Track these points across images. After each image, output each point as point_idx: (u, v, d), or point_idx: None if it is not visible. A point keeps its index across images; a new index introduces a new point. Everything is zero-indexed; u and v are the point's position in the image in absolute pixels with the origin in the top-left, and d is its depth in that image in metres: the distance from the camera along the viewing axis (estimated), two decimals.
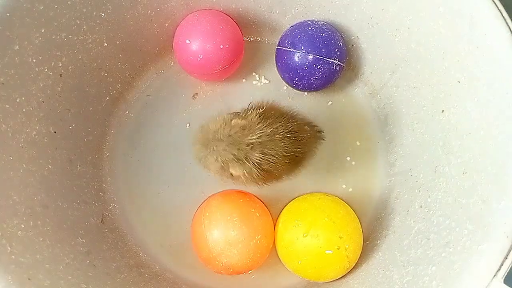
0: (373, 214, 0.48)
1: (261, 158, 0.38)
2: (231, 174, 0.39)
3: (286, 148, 0.39)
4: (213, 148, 0.38)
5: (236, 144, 0.37)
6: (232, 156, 0.37)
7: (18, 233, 0.35)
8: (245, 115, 0.40)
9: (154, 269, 0.46)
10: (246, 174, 0.38)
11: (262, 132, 0.38)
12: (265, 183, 0.41)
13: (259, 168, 0.38)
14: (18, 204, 0.37)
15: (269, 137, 0.38)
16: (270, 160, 0.38)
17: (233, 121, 0.38)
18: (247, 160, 0.38)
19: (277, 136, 0.39)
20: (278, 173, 0.41)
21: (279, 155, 0.39)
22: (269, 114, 0.41)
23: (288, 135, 0.39)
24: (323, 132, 0.47)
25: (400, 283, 0.37)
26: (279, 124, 0.40)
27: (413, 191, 0.44)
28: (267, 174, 0.39)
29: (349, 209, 0.44)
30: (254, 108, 0.41)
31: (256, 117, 0.39)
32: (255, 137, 0.37)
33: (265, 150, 0.38)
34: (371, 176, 0.50)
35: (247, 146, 0.37)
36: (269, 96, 0.52)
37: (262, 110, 0.41)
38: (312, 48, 0.46)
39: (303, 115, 0.45)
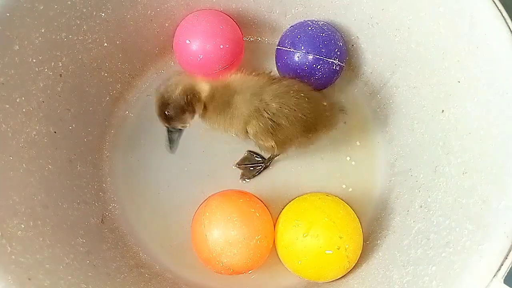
0: (373, 214, 0.48)
1: (278, 109, 0.40)
2: (247, 131, 0.42)
3: (299, 106, 0.41)
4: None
5: (255, 95, 0.40)
6: (253, 109, 0.40)
7: (18, 233, 0.35)
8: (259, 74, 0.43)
9: (154, 269, 0.46)
10: (262, 126, 0.41)
11: (279, 85, 0.41)
12: (278, 146, 0.43)
13: (274, 122, 0.41)
14: (18, 204, 0.37)
15: (285, 90, 0.41)
16: (285, 113, 0.41)
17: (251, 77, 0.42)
18: (265, 111, 0.40)
19: (292, 92, 0.41)
20: (290, 133, 0.42)
21: (293, 109, 0.41)
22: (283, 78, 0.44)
23: (302, 94, 0.42)
24: (344, 110, 0.49)
25: (400, 283, 0.37)
26: (294, 84, 0.42)
27: (413, 191, 0.44)
28: (281, 132, 0.41)
29: (349, 209, 0.44)
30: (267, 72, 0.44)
31: (270, 75, 0.43)
32: (273, 88, 0.41)
33: (281, 101, 0.41)
34: (371, 176, 0.50)
35: (268, 95, 0.40)
36: None
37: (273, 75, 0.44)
38: (312, 48, 0.46)
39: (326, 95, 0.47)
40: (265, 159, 0.49)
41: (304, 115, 0.41)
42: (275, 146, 0.43)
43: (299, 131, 0.42)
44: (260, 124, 0.41)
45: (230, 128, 0.42)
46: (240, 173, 0.49)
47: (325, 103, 0.44)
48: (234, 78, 0.42)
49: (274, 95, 0.41)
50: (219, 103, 0.41)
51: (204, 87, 0.40)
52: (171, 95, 0.39)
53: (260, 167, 0.49)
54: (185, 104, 0.39)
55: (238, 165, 0.49)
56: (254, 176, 0.49)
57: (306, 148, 0.46)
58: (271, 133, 0.41)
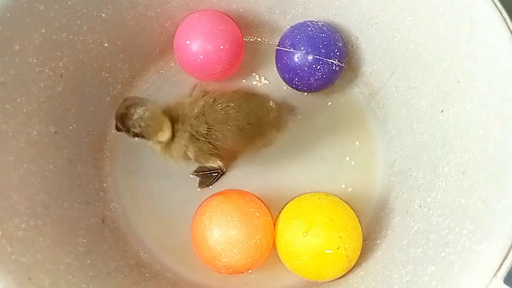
0: (373, 213, 0.48)
1: (208, 129, 0.39)
2: (190, 157, 0.41)
3: (229, 118, 0.40)
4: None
5: (187, 121, 0.40)
6: (188, 135, 0.40)
7: (19, 233, 0.35)
8: (190, 94, 0.42)
9: (155, 268, 0.46)
10: (198, 150, 0.40)
11: (204, 103, 0.40)
12: (226, 159, 0.43)
13: (209, 142, 0.40)
14: (19, 204, 0.37)
15: (211, 107, 0.40)
16: (216, 130, 0.40)
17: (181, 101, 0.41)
18: (198, 134, 0.39)
19: (219, 105, 0.40)
20: (233, 145, 0.41)
21: (223, 123, 0.40)
22: (220, 92, 0.42)
23: (231, 105, 0.40)
24: (294, 111, 0.47)
25: (400, 283, 0.37)
26: (224, 97, 0.41)
27: (412, 191, 0.44)
28: (222, 149, 0.41)
29: (348, 209, 0.44)
30: (199, 87, 0.43)
31: (201, 92, 0.42)
32: (198, 108, 0.40)
33: (209, 120, 0.40)
34: (371, 176, 0.50)
35: (195, 119, 0.40)
36: (269, 96, 0.52)
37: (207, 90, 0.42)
38: (311, 48, 0.47)
39: (277, 99, 0.45)
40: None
41: (239, 125, 0.40)
42: (223, 162, 0.42)
43: (242, 140, 0.41)
44: (197, 148, 0.40)
45: (176, 156, 0.42)
46: (198, 181, 0.49)
47: (271, 104, 0.43)
48: (177, 107, 0.41)
49: (199, 115, 0.40)
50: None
51: (166, 132, 0.40)
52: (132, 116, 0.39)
53: (217, 173, 0.48)
54: (138, 133, 0.39)
55: (195, 172, 0.49)
56: (211, 183, 0.48)
57: (260, 151, 0.46)
58: (212, 154, 0.41)
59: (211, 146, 0.40)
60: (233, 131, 0.40)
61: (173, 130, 0.40)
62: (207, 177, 0.48)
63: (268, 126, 0.43)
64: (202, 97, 0.41)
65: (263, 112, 0.42)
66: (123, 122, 0.39)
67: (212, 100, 0.41)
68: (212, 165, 0.43)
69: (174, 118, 0.40)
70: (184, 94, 0.43)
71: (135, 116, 0.39)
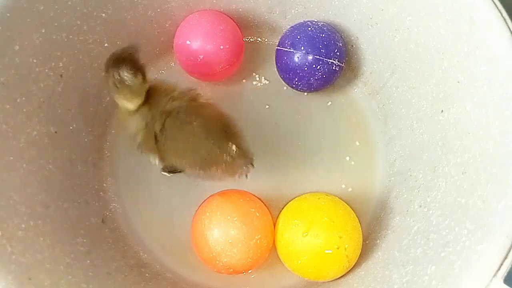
0: (373, 213, 0.48)
1: (161, 131, 0.39)
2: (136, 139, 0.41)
3: (184, 133, 0.39)
4: None
5: (154, 109, 0.39)
6: (145, 122, 0.39)
7: (19, 233, 0.35)
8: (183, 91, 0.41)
9: (155, 268, 0.46)
10: (146, 140, 0.40)
11: (179, 105, 0.39)
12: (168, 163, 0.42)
13: (157, 141, 0.40)
14: (19, 204, 0.37)
15: (178, 113, 0.39)
16: (168, 137, 0.39)
17: None
18: (152, 128, 0.39)
19: (186, 117, 0.39)
20: (174, 159, 0.41)
21: (176, 137, 0.39)
22: (199, 106, 0.41)
23: (194, 123, 0.39)
24: (252, 163, 0.41)
25: (400, 283, 0.37)
26: (197, 113, 0.40)
27: (412, 190, 0.44)
28: (164, 152, 0.40)
29: (348, 209, 0.44)
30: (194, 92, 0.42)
31: (190, 95, 0.41)
32: (170, 106, 0.39)
33: (168, 123, 0.39)
34: (371, 176, 0.50)
35: (160, 113, 0.39)
36: (269, 96, 0.52)
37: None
38: (311, 48, 0.47)
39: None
40: None
41: (187, 147, 0.39)
42: (163, 164, 0.42)
43: (183, 160, 0.40)
44: (145, 137, 0.40)
45: (128, 129, 0.41)
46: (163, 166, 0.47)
47: (233, 148, 0.38)
48: (162, 89, 0.41)
49: (165, 113, 0.39)
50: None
51: (130, 106, 0.39)
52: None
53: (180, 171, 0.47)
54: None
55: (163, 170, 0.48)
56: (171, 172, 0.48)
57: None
58: (153, 152, 0.41)
59: (156, 145, 0.40)
60: (180, 148, 0.39)
61: (142, 104, 0.39)
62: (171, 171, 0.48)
63: (216, 164, 0.39)
64: (185, 98, 0.40)
65: (219, 150, 0.39)
66: (108, 67, 0.38)
67: (184, 106, 0.39)
68: (151, 160, 0.42)
69: (150, 96, 0.40)
70: (181, 87, 0.42)
71: (122, 75, 0.37)
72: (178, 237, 0.47)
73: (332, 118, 0.52)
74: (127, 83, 0.37)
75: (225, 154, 0.38)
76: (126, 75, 0.37)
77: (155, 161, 0.42)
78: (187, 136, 0.39)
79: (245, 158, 0.40)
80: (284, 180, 0.49)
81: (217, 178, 0.41)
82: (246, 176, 0.41)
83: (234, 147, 0.39)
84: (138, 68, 0.37)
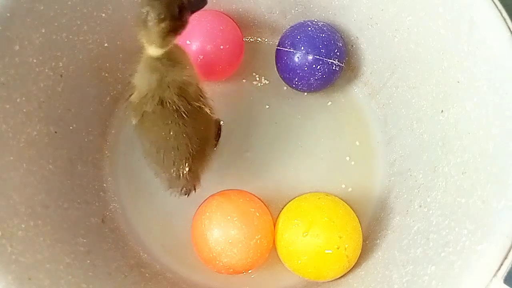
0: (373, 213, 0.48)
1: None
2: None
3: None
4: None
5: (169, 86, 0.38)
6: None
7: (19, 233, 0.35)
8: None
9: (155, 268, 0.46)
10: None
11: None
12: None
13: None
14: (19, 204, 0.37)
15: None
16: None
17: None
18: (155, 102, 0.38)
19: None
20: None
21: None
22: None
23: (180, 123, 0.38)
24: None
25: (400, 283, 0.37)
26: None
27: (412, 190, 0.44)
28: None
29: (348, 209, 0.44)
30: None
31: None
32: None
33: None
34: (371, 176, 0.50)
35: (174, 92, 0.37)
36: (269, 96, 0.52)
37: None
38: (311, 48, 0.47)
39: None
40: None
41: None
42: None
43: (155, 149, 0.39)
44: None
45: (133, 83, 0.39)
46: None
47: (186, 168, 0.39)
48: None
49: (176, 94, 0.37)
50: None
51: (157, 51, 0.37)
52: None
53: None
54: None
55: None
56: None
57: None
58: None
59: (141, 118, 0.38)
60: (156, 135, 0.38)
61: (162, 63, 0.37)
62: None
63: (165, 170, 0.40)
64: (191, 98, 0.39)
65: (174, 162, 0.39)
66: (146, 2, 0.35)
67: (184, 105, 0.38)
68: (132, 120, 0.40)
69: (173, 59, 0.38)
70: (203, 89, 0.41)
71: (148, 14, 0.35)
72: (178, 237, 0.47)
73: (332, 118, 0.52)
74: (147, 24, 0.35)
75: (174, 168, 0.39)
76: (151, 16, 0.35)
77: (133, 121, 0.40)
78: (168, 131, 0.38)
79: (190, 183, 0.41)
80: (284, 180, 0.49)
81: (160, 178, 0.42)
82: (181, 195, 0.42)
83: (186, 169, 0.39)
84: (167, 18, 0.35)
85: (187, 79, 0.38)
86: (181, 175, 0.40)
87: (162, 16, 0.35)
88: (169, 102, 0.37)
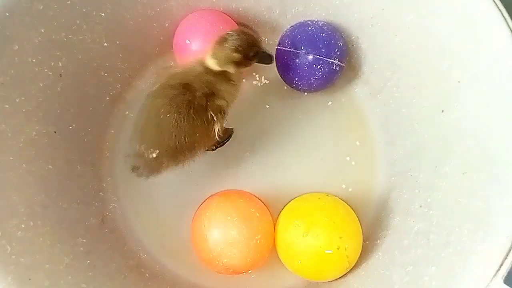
0: (373, 214, 0.48)
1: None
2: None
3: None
4: None
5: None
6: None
7: (18, 233, 0.35)
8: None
9: (154, 269, 0.46)
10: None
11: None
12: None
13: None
14: (18, 204, 0.37)
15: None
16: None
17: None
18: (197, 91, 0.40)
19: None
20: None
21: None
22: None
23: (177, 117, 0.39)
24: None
25: (400, 283, 0.37)
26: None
27: (413, 191, 0.44)
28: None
29: (349, 209, 0.44)
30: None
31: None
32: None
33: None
34: (371, 176, 0.50)
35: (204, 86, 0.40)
36: (269, 96, 0.52)
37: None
38: (312, 48, 0.46)
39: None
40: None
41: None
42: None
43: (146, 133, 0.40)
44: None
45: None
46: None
47: (154, 153, 0.39)
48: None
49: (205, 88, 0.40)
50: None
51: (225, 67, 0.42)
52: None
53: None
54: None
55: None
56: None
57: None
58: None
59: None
60: (157, 126, 0.39)
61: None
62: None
63: (143, 145, 0.40)
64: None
65: (151, 143, 0.39)
66: (248, 46, 0.41)
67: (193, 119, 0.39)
68: None
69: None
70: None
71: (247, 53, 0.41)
72: (178, 238, 0.47)
73: (332, 118, 0.52)
74: (225, 44, 0.40)
75: (145, 145, 0.39)
76: (234, 43, 0.40)
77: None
78: (167, 108, 0.38)
79: (147, 168, 0.41)
80: (284, 180, 0.49)
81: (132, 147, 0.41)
82: (131, 170, 0.42)
83: (153, 154, 0.39)
84: (241, 53, 0.41)
85: (224, 93, 0.41)
86: (145, 155, 0.39)
87: (240, 49, 0.40)
88: (193, 92, 0.39)
